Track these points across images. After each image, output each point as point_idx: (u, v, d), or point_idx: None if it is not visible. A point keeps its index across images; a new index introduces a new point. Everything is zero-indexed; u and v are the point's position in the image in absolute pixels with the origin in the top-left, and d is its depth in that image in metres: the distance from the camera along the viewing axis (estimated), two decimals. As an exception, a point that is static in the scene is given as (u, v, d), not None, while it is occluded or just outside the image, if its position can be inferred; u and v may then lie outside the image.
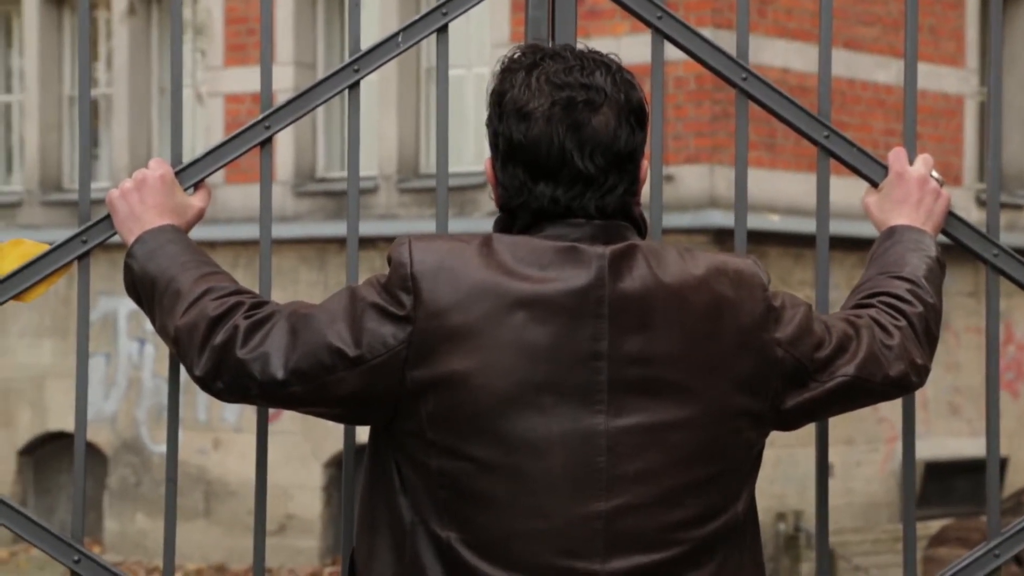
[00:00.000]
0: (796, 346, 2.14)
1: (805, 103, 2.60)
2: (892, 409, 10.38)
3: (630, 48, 10.13)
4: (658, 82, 2.54)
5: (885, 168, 2.57)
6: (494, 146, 2.14)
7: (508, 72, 2.15)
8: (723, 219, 10.19)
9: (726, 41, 2.60)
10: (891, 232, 2.46)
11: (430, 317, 2.04)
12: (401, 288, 2.06)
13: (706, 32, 9.41)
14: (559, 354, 2.03)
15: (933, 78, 11.61)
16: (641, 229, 2.17)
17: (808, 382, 2.15)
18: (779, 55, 10.72)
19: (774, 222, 10.54)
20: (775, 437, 2.25)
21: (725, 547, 2.10)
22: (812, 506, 2.65)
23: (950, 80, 11.87)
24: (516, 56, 2.16)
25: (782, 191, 10.70)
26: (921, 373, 2.28)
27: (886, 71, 11.34)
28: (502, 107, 2.12)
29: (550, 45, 2.36)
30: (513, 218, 2.14)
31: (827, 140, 2.62)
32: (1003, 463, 11.87)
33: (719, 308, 2.09)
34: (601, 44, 2.25)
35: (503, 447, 2.03)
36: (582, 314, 2.04)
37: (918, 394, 2.51)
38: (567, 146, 2.09)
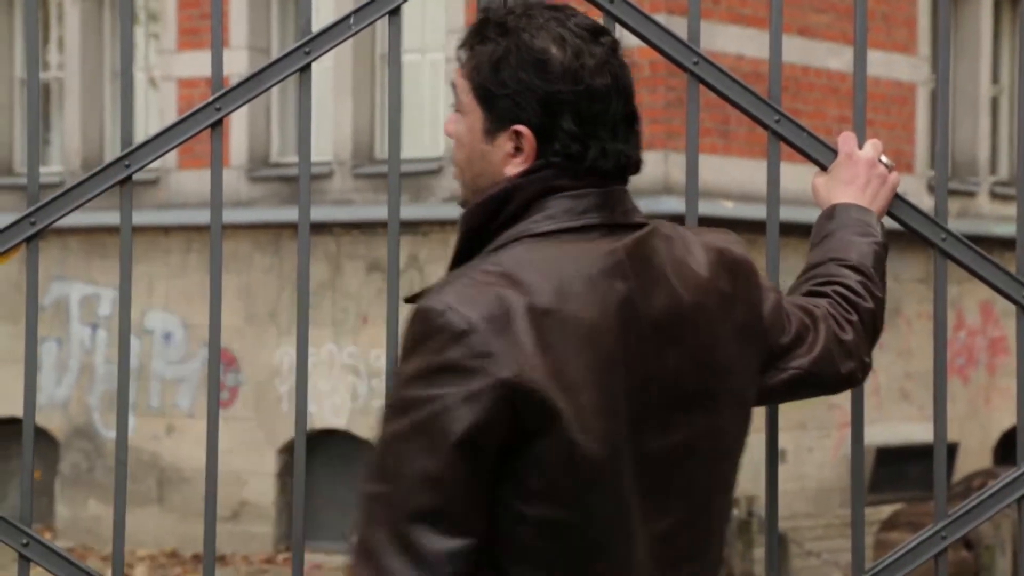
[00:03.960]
0: (771, 332, 2.11)
1: (758, 89, 2.60)
2: (843, 395, 10.37)
3: (585, 34, 10.11)
4: (610, 65, 2.54)
5: (835, 152, 2.58)
6: (548, 105, 1.94)
7: (521, 32, 1.95)
8: (678, 205, 10.20)
9: (680, 27, 2.61)
10: (833, 212, 2.43)
11: (503, 373, 1.86)
12: (470, 356, 1.86)
13: (660, 18, 9.41)
14: (623, 380, 1.93)
15: (885, 66, 11.67)
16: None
17: (768, 368, 2.13)
18: (733, 42, 10.74)
19: (728, 208, 10.57)
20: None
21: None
22: (764, 491, 2.66)
23: (902, 67, 11.93)
24: (513, 16, 1.96)
25: (735, 178, 10.73)
26: (866, 370, 2.29)
27: (839, 58, 11.39)
28: (548, 64, 1.94)
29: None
30: (505, 202, 1.96)
31: (777, 124, 2.63)
32: (953, 448, 11.95)
33: (727, 307, 2.03)
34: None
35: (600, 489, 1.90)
36: (627, 337, 1.94)
37: (870, 379, 2.52)
38: (629, 96, 2.01)
